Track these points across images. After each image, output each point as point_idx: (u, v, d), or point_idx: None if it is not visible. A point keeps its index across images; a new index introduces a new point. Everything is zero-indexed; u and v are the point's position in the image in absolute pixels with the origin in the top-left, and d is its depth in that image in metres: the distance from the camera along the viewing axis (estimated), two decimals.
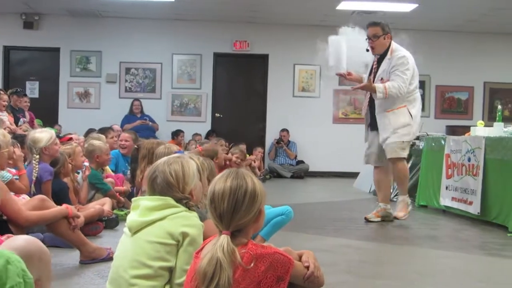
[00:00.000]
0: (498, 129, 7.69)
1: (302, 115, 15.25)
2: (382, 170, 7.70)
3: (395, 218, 7.38)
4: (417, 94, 7.39)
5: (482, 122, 8.39)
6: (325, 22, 14.57)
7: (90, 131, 10.69)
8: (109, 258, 4.64)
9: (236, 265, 2.48)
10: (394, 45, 7.34)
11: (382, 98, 7.21)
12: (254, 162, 13.80)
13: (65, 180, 6.23)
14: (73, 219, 4.64)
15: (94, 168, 7.10)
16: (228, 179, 2.59)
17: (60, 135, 8.38)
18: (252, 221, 2.60)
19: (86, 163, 7.09)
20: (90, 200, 6.80)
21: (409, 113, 7.25)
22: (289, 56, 15.26)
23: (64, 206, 4.70)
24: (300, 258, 2.81)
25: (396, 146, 7.30)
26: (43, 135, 5.88)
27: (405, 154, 7.42)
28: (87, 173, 6.80)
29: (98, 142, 7.43)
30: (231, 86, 15.54)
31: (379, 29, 7.31)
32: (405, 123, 7.26)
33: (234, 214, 2.54)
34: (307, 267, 2.74)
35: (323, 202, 9.86)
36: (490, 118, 14.76)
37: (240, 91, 15.54)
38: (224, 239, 2.51)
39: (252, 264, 2.49)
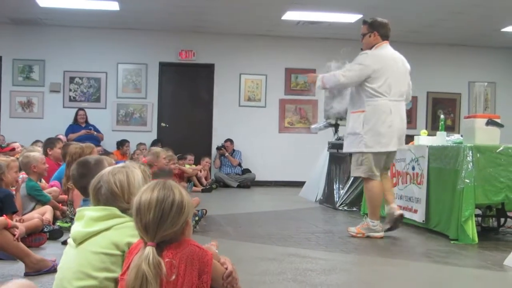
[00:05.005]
0: (441, 138, 7.80)
1: (248, 125, 15.29)
2: None
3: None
4: (381, 101, 6.79)
5: (426, 131, 8.51)
6: (270, 32, 14.68)
7: (36, 142, 10.53)
8: (54, 270, 4.54)
9: (162, 277, 2.46)
10: (381, 46, 7.02)
11: (320, 87, 7.25)
12: (201, 171, 13.77)
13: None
14: (13, 230, 4.57)
15: (34, 179, 6.98)
16: (155, 189, 2.57)
17: (3, 145, 8.22)
18: (178, 233, 2.57)
19: (24, 175, 6.98)
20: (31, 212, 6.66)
21: (363, 122, 6.84)
22: (235, 65, 15.28)
23: (3, 217, 4.62)
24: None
25: (353, 161, 7.14)
26: None
27: (361, 172, 7.01)
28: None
29: (33, 152, 7.32)
30: (177, 95, 15.45)
31: (365, 27, 7.09)
32: (355, 131, 6.96)
33: (160, 225, 2.51)
34: (226, 269, 2.75)
35: (269, 211, 9.85)
36: (433, 127, 15.04)
37: (186, 100, 15.45)
38: (149, 250, 2.48)
39: (174, 276, 2.48)
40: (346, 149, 7.31)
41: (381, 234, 6.95)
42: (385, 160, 7.09)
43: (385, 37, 7.08)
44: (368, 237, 6.92)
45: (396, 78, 6.88)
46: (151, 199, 2.53)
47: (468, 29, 14.16)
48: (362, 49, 7.10)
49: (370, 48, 7.03)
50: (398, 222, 6.97)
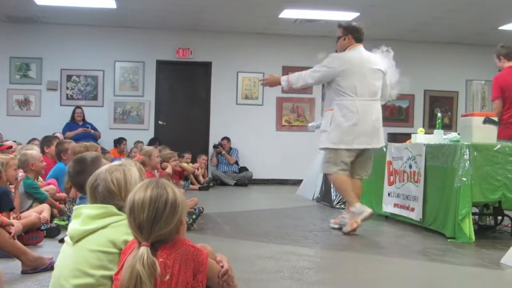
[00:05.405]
0: (438, 137, 7.80)
1: (246, 123, 15.28)
2: None
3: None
4: (347, 101, 7.08)
5: (423, 130, 8.51)
6: (268, 30, 14.68)
7: (32, 140, 10.50)
8: (51, 268, 4.53)
9: (157, 277, 2.45)
10: (354, 48, 7.29)
11: (286, 87, 7.63)
12: (198, 169, 13.76)
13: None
14: (9, 228, 4.56)
15: (31, 177, 6.96)
16: (148, 188, 2.55)
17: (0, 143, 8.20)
18: (173, 232, 2.56)
19: (23, 173, 6.95)
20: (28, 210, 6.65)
21: (331, 120, 7.18)
22: (232, 63, 15.27)
23: None
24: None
25: (323, 158, 7.49)
26: None
27: (329, 168, 7.30)
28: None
29: (30, 151, 7.31)
30: (174, 93, 15.43)
31: (340, 31, 7.40)
32: (324, 129, 7.34)
33: (154, 224, 2.50)
34: (222, 267, 2.74)
35: (266, 209, 9.85)
36: (430, 125, 15.04)
37: (183, 98, 15.44)
38: (143, 250, 2.47)
39: (168, 276, 2.47)
40: (320, 146, 7.65)
41: (370, 210, 7.03)
42: (359, 160, 7.31)
43: (358, 40, 7.37)
44: (363, 220, 6.96)
45: (364, 79, 7.12)
46: (144, 199, 2.52)
47: (465, 27, 14.16)
48: (336, 51, 7.45)
49: (344, 50, 7.33)
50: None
